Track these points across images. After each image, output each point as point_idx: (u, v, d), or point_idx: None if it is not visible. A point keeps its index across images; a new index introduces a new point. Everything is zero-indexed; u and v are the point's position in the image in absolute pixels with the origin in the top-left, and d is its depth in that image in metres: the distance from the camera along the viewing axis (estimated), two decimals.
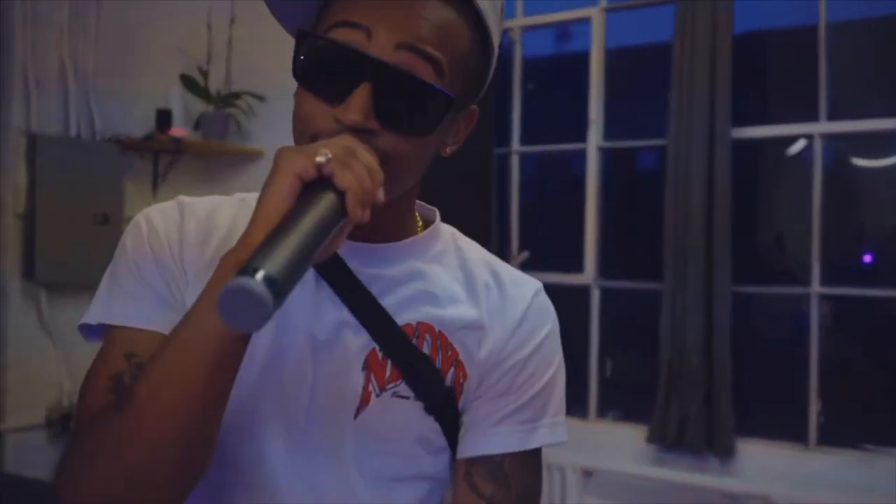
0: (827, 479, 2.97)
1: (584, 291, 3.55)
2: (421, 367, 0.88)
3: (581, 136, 3.55)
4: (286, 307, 0.79)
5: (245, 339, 0.75)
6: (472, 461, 0.90)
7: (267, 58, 3.89)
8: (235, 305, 0.62)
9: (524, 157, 3.74)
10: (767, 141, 3.38)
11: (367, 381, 0.87)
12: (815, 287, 3.11)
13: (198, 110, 3.76)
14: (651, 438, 3.23)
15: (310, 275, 0.87)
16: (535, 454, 0.93)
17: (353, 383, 0.86)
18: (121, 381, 0.82)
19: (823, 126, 3.13)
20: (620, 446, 3.38)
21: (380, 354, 0.87)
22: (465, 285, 0.92)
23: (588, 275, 3.54)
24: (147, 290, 0.86)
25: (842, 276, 3.22)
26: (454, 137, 0.89)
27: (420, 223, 0.96)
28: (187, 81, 3.69)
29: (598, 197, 3.53)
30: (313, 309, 0.87)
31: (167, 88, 3.65)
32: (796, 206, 3.35)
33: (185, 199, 0.92)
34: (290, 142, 2.98)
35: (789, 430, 3.13)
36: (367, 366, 0.87)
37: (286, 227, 0.68)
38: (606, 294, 3.55)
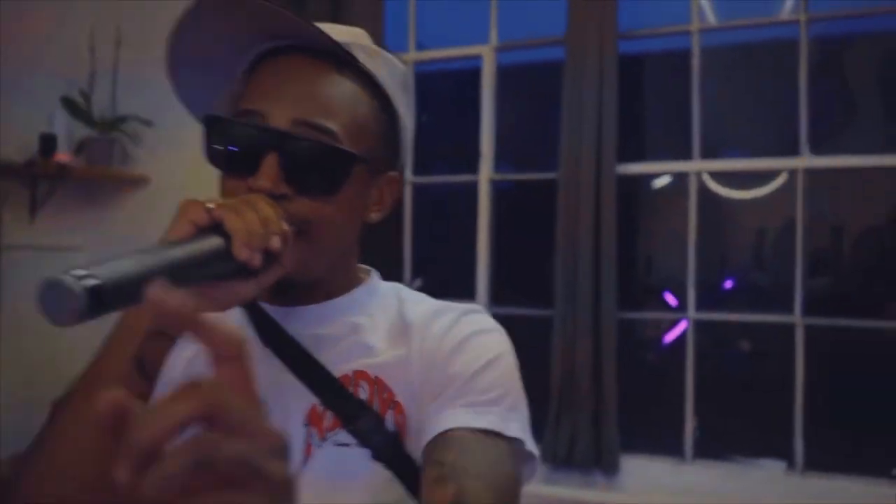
0: (703, 489, 3.25)
1: None
2: (358, 412, 0.93)
3: (474, 165, 3.73)
4: None
5: (143, 386, 0.81)
6: (430, 445, 0.91)
7: (154, 82, 3.86)
8: (53, 296, 0.63)
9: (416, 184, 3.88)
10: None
11: (308, 434, 0.93)
12: (691, 312, 3.41)
13: (82, 135, 3.68)
14: (542, 457, 3.42)
15: (256, 347, 0.95)
16: (498, 441, 0.92)
17: (297, 438, 0.92)
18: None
19: (699, 164, 3.44)
20: None
21: (319, 407, 0.93)
22: (400, 329, 0.99)
23: (479, 302, 3.71)
24: None
25: (708, 301, 3.53)
26: (377, 204, 1.00)
27: (364, 280, 1.04)
28: (68, 104, 3.61)
29: (490, 227, 3.71)
30: (259, 375, 0.90)
31: (50, 112, 3.55)
32: (671, 236, 3.66)
33: None
34: (178, 166, 3.11)
35: (669, 445, 3.40)
36: (309, 420, 0.93)
37: (145, 250, 0.72)
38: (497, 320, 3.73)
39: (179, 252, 0.74)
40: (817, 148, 3.27)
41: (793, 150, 3.29)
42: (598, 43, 3.30)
